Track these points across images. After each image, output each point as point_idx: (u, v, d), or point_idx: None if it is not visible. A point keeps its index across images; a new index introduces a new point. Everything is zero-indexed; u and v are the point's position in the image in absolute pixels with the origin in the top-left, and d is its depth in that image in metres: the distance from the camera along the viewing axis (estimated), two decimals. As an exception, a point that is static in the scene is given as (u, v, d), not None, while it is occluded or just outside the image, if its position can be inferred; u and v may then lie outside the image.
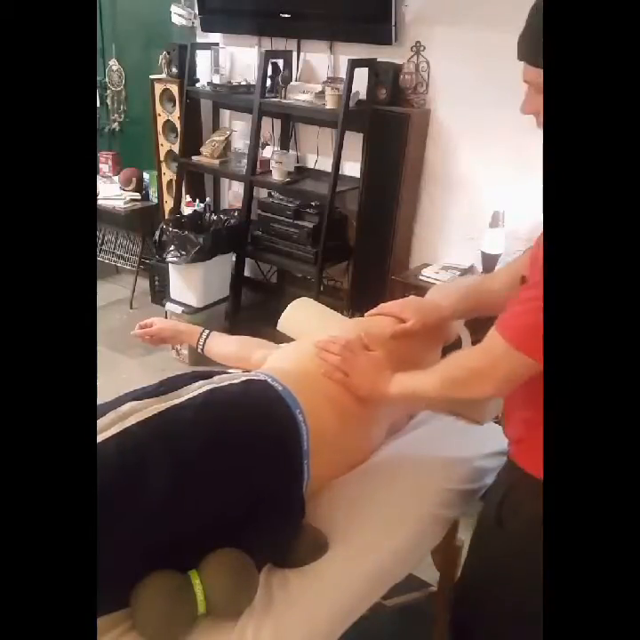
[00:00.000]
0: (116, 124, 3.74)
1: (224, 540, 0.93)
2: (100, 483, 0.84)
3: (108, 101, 3.70)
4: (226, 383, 1.10)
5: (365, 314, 1.41)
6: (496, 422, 1.50)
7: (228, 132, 3.15)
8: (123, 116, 3.72)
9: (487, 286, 1.29)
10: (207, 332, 1.46)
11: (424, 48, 2.53)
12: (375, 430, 1.25)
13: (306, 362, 1.21)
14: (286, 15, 2.74)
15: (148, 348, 2.91)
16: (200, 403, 1.03)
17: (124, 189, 3.53)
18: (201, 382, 1.10)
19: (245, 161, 2.94)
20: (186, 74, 3.05)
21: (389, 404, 1.29)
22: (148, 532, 0.90)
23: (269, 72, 2.80)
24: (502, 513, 1.06)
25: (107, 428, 0.95)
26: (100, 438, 0.93)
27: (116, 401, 1.02)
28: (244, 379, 1.12)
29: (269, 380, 1.12)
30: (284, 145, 3.09)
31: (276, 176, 2.86)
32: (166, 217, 3.34)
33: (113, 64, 3.61)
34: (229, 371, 1.21)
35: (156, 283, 3.45)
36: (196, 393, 1.05)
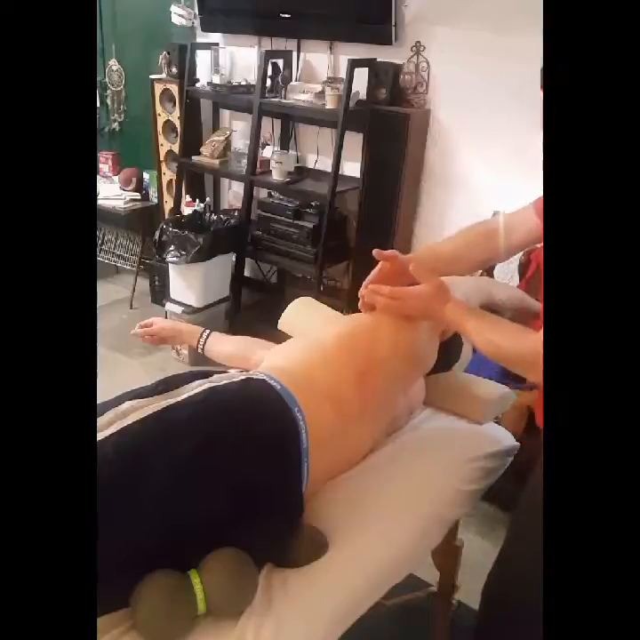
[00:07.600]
0: (116, 123, 3.75)
1: (223, 538, 0.94)
2: (99, 481, 0.85)
3: (108, 101, 3.70)
4: (224, 382, 1.11)
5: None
6: (496, 422, 1.50)
7: (227, 132, 3.15)
8: (123, 116, 3.72)
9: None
10: (207, 332, 1.46)
11: (424, 48, 2.53)
12: (375, 427, 1.25)
13: (304, 359, 1.21)
14: (286, 15, 2.74)
15: (148, 347, 2.92)
16: (199, 401, 1.04)
17: (124, 189, 3.53)
18: (200, 381, 1.10)
19: (245, 161, 2.94)
20: (186, 74, 3.06)
21: (440, 324, 1.30)
22: (148, 529, 0.90)
23: (269, 72, 2.80)
24: None
25: (105, 426, 0.96)
26: (99, 437, 0.94)
27: (116, 400, 1.03)
28: (242, 377, 1.13)
29: (267, 378, 1.12)
30: (284, 145, 3.09)
31: (276, 176, 2.86)
32: (166, 217, 3.34)
33: (113, 64, 3.61)
34: (228, 370, 1.21)
35: (156, 283, 3.45)
36: (194, 391, 1.06)
